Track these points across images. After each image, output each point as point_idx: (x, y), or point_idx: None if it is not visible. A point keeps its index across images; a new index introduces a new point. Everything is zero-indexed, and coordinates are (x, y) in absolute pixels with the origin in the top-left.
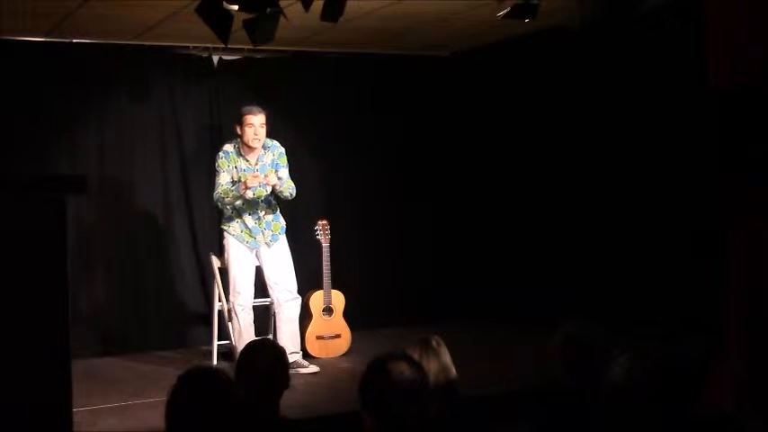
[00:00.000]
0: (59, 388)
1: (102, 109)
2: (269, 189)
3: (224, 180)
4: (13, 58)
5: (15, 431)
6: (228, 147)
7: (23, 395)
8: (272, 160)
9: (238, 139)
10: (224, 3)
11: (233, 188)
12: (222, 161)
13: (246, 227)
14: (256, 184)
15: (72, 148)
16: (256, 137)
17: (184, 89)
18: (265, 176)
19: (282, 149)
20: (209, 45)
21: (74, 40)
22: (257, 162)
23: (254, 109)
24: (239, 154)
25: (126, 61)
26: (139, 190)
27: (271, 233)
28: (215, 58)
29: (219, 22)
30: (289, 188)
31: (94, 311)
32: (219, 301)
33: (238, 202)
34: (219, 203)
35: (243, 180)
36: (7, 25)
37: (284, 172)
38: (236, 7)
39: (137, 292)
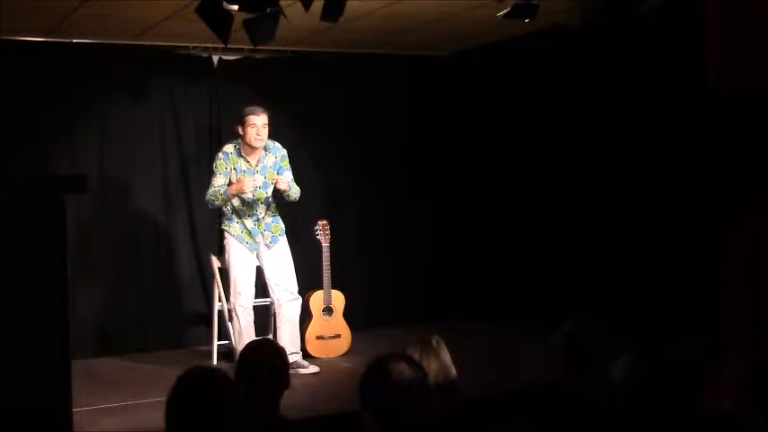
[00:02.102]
0: (59, 388)
1: (102, 109)
2: (269, 191)
3: (218, 183)
4: (13, 58)
5: (15, 431)
6: (229, 147)
7: (23, 395)
8: (275, 162)
9: (239, 140)
10: (224, 3)
11: (223, 192)
12: (220, 162)
13: (246, 228)
14: (251, 188)
15: (72, 148)
16: (259, 137)
17: (184, 89)
18: (277, 181)
19: (284, 152)
20: (209, 45)
21: (74, 40)
22: (258, 163)
23: (257, 109)
24: (240, 155)
25: (126, 61)
26: (139, 190)
27: (270, 235)
28: (215, 58)
29: (219, 22)
30: (295, 192)
31: (94, 311)
32: (219, 301)
33: (236, 202)
34: (209, 204)
35: (240, 180)
36: (7, 25)
37: (289, 175)
38: (236, 7)
39: (137, 292)
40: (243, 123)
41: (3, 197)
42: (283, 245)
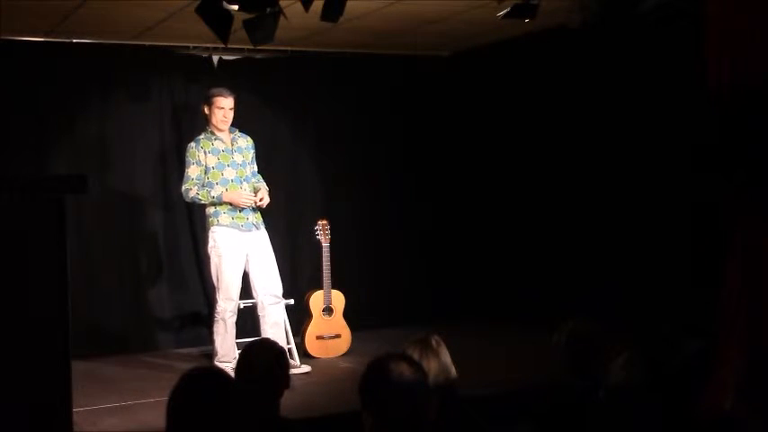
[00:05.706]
0: (59, 388)
1: (102, 109)
2: (248, 170)
3: (193, 173)
4: (13, 58)
5: (15, 431)
6: (199, 136)
7: (23, 395)
8: (247, 146)
9: (207, 127)
10: (224, 3)
11: (216, 196)
12: (193, 152)
13: (236, 210)
14: (249, 205)
15: (72, 148)
16: (225, 119)
17: (184, 89)
18: (261, 199)
19: (252, 142)
20: (209, 45)
21: (74, 40)
22: (233, 143)
23: (225, 91)
24: (212, 135)
25: (126, 61)
26: (139, 190)
27: (257, 218)
28: (215, 58)
29: (219, 22)
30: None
31: (94, 311)
32: None
33: (220, 189)
34: (192, 200)
35: (222, 161)
36: (7, 25)
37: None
38: (236, 7)
39: (137, 292)
40: (210, 104)
41: (3, 197)
42: (267, 241)
